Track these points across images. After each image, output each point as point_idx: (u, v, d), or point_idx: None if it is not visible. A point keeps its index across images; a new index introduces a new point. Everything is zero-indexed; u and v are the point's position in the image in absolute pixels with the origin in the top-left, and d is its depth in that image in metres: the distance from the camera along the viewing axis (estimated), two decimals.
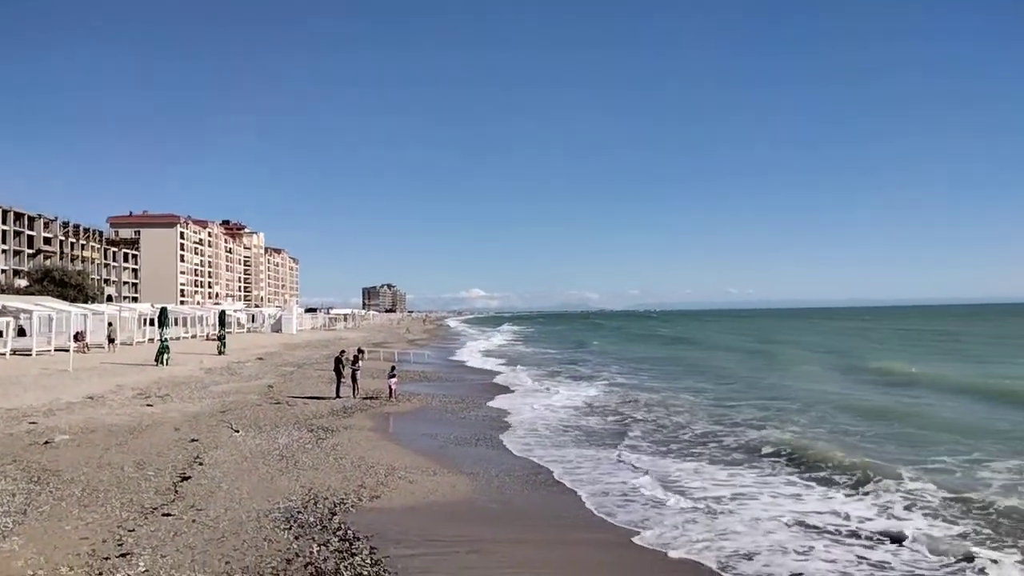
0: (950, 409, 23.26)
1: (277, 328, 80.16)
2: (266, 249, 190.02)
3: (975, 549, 9.84)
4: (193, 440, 16.11)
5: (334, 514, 10.80)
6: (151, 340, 48.66)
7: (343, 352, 27.18)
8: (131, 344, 48.38)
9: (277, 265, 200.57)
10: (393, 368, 26.98)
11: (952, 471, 14.63)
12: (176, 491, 11.71)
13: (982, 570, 9.14)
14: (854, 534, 10.65)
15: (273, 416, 20.17)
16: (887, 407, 23.70)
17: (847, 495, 12.76)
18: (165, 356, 34.24)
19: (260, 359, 40.56)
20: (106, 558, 8.44)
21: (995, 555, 9.59)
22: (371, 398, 24.82)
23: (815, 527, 10.97)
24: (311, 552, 9.02)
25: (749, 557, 9.59)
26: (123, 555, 8.57)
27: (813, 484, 13.61)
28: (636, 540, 10.23)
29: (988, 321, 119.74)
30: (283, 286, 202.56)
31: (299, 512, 10.79)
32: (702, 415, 22.35)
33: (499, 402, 25.51)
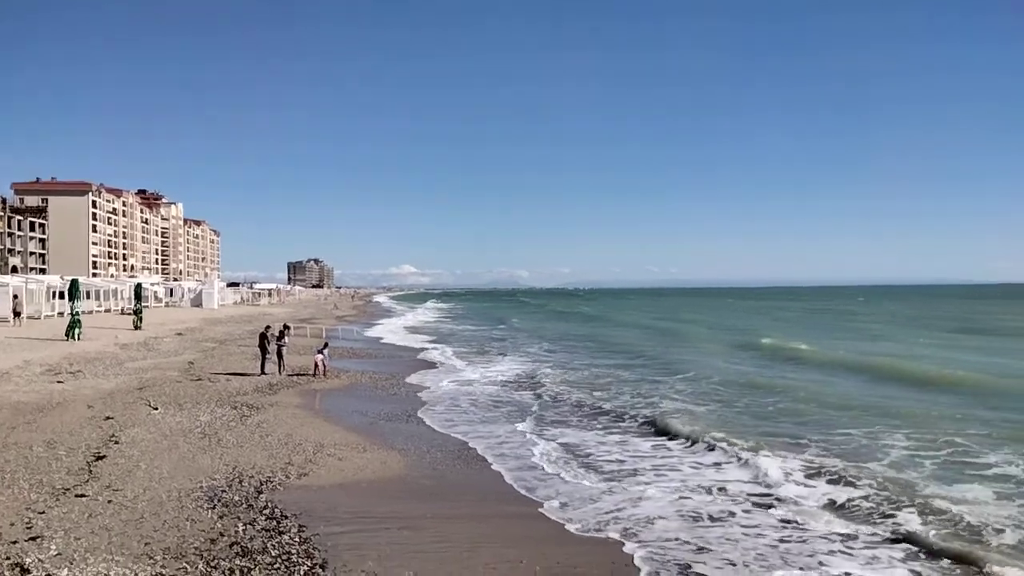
0: (827, 384, 24.38)
1: (197, 303, 77.46)
2: (185, 220, 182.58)
3: (879, 510, 10.43)
4: (108, 418, 15.43)
5: (260, 492, 10.55)
6: (61, 314, 46.22)
7: (268, 327, 26.48)
8: (39, 318, 45.87)
9: (197, 237, 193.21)
10: (326, 344, 26.46)
11: (847, 443, 15.22)
12: (90, 471, 11.21)
13: (894, 529, 9.70)
14: (766, 500, 11.07)
15: (194, 393, 19.50)
16: (774, 383, 24.37)
17: (753, 465, 13.03)
18: (76, 331, 32.62)
19: (179, 334, 39.14)
20: (14, 542, 8.01)
21: (898, 514, 10.21)
22: (298, 375, 24.31)
23: (730, 495, 11.38)
24: (236, 531, 8.79)
25: (652, 522, 9.99)
26: (33, 538, 8.15)
27: (723, 455, 13.95)
28: (557, 514, 10.35)
29: (899, 302, 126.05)
30: (203, 259, 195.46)
31: (223, 491, 10.49)
32: (616, 391, 22.69)
33: (427, 378, 25.39)
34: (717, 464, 13.39)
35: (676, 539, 9.35)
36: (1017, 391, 21.91)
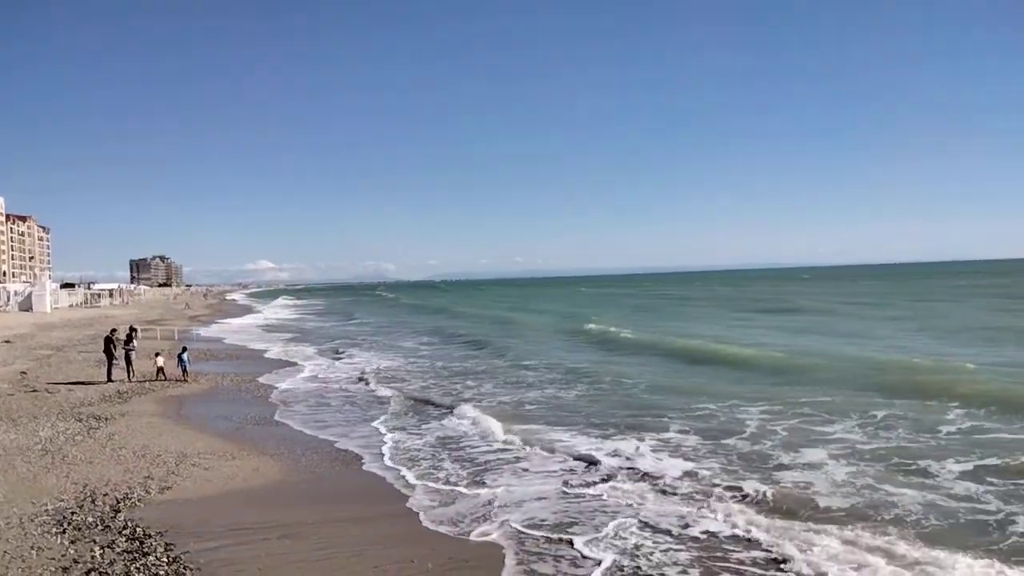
0: (656, 368, 25.37)
1: (27, 307, 70.18)
2: (8, 216, 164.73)
3: (731, 477, 11.13)
4: None
5: (118, 511, 9.68)
6: None
7: (114, 330, 24.45)
8: None
9: (22, 235, 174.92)
10: (184, 348, 24.60)
11: (695, 421, 15.98)
12: None
13: (740, 497, 10.38)
14: (633, 476, 11.50)
15: (30, 406, 17.65)
16: (607, 369, 24.94)
17: (613, 445, 13.66)
18: None
19: (7, 342, 35.30)
20: None
21: (749, 478, 10.97)
22: (150, 380, 22.59)
23: (599, 473, 11.82)
24: (93, 556, 8.01)
25: (522, 505, 10.16)
26: None
27: (585, 439, 14.36)
28: (440, 510, 10.23)
29: (729, 285, 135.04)
30: (31, 259, 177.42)
31: (73, 512, 9.53)
32: (471, 382, 22.78)
33: (289, 377, 24.38)
34: (580, 448, 13.70)
35: (549, 519, 9.71)
36: (816, 368, 23.14)
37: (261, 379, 23.91)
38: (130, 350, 23.41)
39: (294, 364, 28.87)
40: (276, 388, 22.01)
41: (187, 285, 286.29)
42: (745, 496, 10.50)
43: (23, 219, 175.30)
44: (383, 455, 13.46)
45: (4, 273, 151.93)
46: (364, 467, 12.71)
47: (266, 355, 32.88)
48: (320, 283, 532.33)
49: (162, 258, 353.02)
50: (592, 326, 43.00)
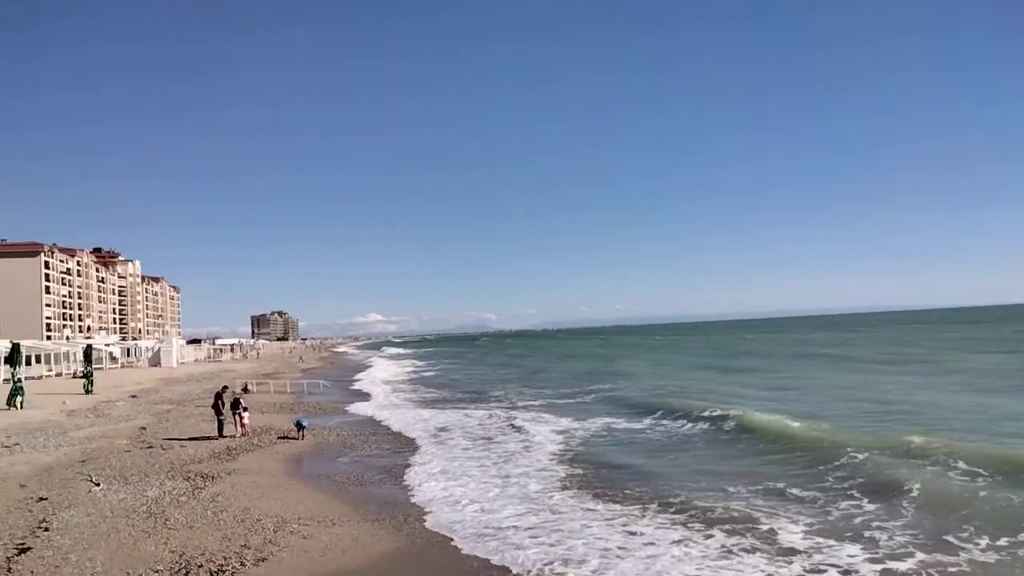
0: None
1: (155, 361, 74.48)
2: (143, 277, 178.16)
3: None
4: (41, 499, 13.73)
5: None
6: (5, 381, 43.52)
7: (225, 387, 24.78)
8: None
9: (155, 294, 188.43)
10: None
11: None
12: (9, 569, 9.57)
13: None
14: None
15: (143, 464, 17.74)
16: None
17: None
18: (19, 398, 30.38)
19: (133, 397, 36.92)
20: None
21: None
22: (259, 436, 22.57)
23: None
24: None
25: None
26: None
27: None
28: None
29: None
30: (161, 316, 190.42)
31: None
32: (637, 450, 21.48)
33: (400, 433, 23.79)
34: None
35: None
36: None
37: (374, 436, 23.40)
38: (242, 407, 23.46)
39: (410, 417, 28.38)
40: (392, 446, 21.42)
41: (302, 339, 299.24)
42: None
43: (156, 280, 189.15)
44: (506, 533, 12.35)
45: (140, 330, 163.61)
46: (471, 542, 11.64)
47: (377, 408, 32.66)
48: (425, 334, 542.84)
49: (280, 313, 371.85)
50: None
